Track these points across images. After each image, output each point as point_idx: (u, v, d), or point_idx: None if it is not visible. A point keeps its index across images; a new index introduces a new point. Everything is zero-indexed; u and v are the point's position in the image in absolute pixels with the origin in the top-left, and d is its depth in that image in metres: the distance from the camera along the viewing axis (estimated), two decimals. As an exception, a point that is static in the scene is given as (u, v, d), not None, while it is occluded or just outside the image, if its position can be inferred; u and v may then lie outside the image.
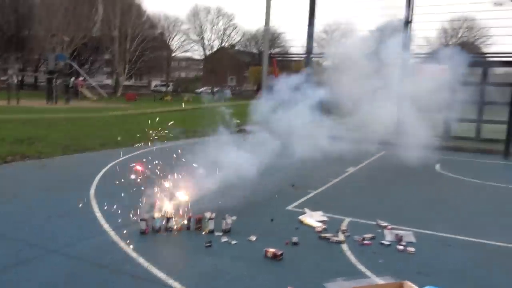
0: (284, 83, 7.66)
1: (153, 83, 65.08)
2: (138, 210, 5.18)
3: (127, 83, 53.49)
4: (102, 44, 47.59)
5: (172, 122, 8.59)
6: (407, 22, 14.54)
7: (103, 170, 8.04)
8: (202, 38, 57.71)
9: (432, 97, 10.27)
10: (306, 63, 14.89)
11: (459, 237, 5.23)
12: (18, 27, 48.79)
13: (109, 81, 60.90)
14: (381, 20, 16.13)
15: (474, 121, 13.89)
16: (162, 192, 5.23)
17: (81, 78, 40.19)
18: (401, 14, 15.14)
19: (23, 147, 9.90)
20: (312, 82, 7.99)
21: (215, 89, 51.87)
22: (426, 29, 15.62)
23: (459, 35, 43.75)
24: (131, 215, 5.16)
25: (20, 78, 37.13)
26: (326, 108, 8.61)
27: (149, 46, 48.87)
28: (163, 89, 54.67)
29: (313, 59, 15.51)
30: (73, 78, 34.44)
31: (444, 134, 12.84)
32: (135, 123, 17.13)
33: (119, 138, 11.96)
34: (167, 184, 5.34)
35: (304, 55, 16.09)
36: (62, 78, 31.15)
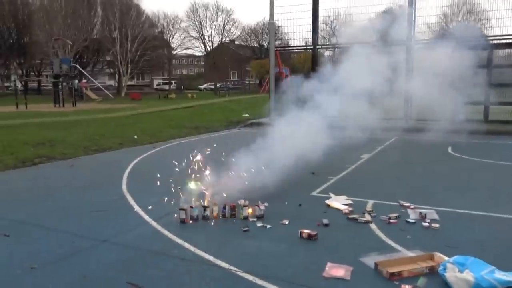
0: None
1: (155, 82, 65.37)
2: (176, 201, 5.48)
3: (129, 82, 53.84)
4: (103, 46, 47.89)
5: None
6: (411, 8, 14.75)
7: (129, 167, 8.36)
8: (202, 35, 57.84)
9: (443, 80, 10.50)
10: (314, 55, 15.12)
11: (478, 212, 5.51)
12: (19, 33, 49.12)
13: (111, 82, 61.23)
14: (381, 7, 16.23)
15: (482, 103, 14.07)
16: (199, 183, 5.54)
17: (84, 80, 40.57)
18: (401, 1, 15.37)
19: (46, 149, 10.24)
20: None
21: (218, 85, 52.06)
22: (427, 15, 15.64)
23: (459, 18, 43.79)
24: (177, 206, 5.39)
25: (23, 84, 37.48)
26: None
27: (149, 45, 49.17)
28: (166, 87, 54.93)
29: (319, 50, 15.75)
30: (76, 81, 34.82)
31: (454, 117, 13.06)
32: (147, 121, 17.47)
33: (135, 137, 12.32)
34: (201, 176, 5.66)
35: (309, 47, 16.34)
36: (68, 81, 31.52)
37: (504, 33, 15.03)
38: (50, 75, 42.50)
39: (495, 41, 15.87)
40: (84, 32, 43.78)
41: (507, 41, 15.24)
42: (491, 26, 17.15)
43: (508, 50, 16.57)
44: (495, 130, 12.81)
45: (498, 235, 4.79)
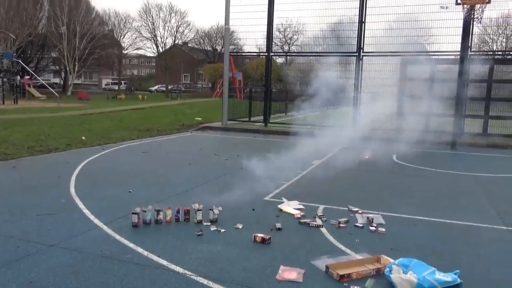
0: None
1: (104, 81, 63.35)
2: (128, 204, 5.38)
3: (76, 81, 51.86)
4: (49, 41, 45.83)
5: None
6: (360, 22, 15.35)
7: (77, 169, 8.08)
8: (155, 36, 56.79)
9: (387, 91, 11.06)
10: (267, 61, 15.34)
11: (421, 217, 5.85)
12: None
13: (56, 80, 58.67)
14: (332, 19, 16.76)
15: (424, 114, 14.84)
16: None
17: (27, 77, 38.58)
18: (351, 14, 15.96)
19: (-15, 149, 9.66)
20: None
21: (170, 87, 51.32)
22: (374, 29, 16.34)
23: (404, 34, 46.06)
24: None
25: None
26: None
27: (99, 43, 47.62)
28: (116, 87, 53.38)
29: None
30: (18, 77, 33.04)
31: (396, 127, 13.70)
32: (96, 122, 16.91)
33: (83, 138, 11.92)
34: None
35: (263, 54, 16.56)
36: (9, 77, 29.85)
37: (445, 50, 15.98)
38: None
39: (436, 57, 16.83)
40: (28, 26, 41.66)
41: (446, 56, 16.27)
42: (433, 42, 18.07)
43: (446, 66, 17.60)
44: (435, 140, 13.57)
45: (438, 238, 5.12)
